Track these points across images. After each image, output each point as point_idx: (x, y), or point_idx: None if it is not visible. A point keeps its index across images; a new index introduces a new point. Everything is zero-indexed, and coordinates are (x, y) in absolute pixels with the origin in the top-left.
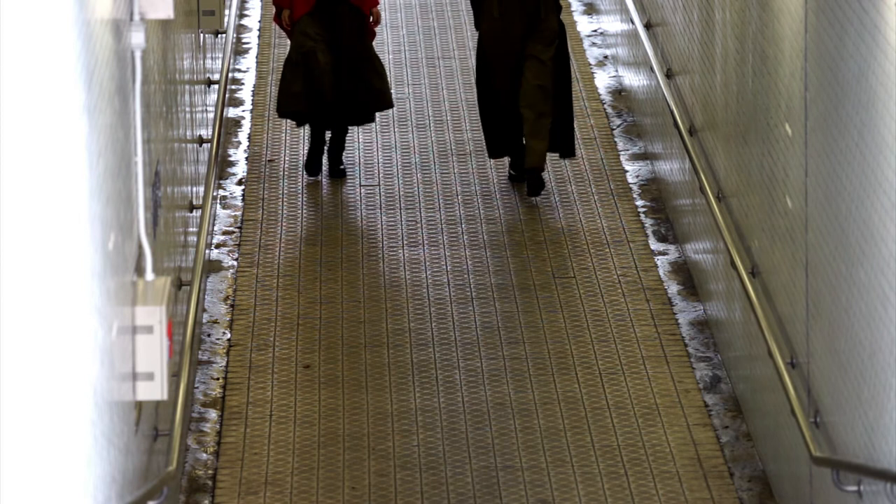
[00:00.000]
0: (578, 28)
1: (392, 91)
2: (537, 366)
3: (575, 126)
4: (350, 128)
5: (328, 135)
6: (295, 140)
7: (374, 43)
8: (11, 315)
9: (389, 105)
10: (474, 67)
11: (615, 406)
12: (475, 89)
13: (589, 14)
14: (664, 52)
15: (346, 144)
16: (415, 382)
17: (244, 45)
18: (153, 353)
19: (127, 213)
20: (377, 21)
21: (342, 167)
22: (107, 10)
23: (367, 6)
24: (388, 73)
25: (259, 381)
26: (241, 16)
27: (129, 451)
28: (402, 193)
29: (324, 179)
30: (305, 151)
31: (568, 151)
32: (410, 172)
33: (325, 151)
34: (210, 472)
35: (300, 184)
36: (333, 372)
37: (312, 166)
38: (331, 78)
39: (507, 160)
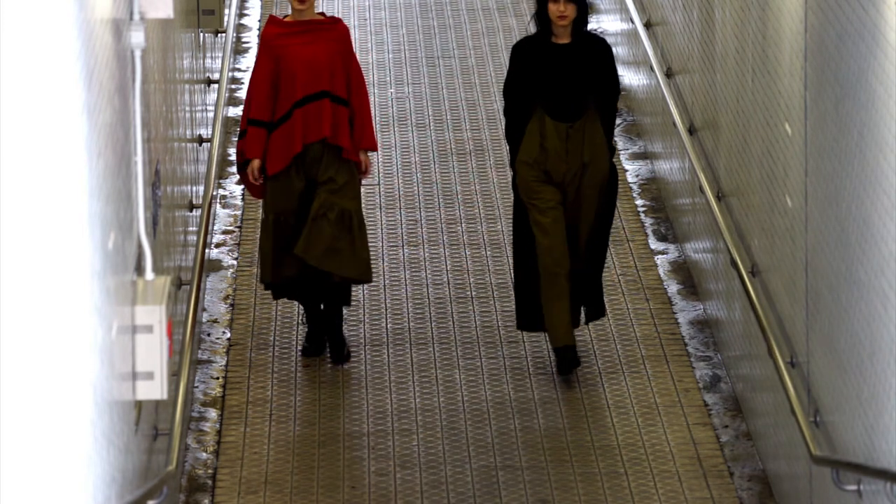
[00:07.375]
0: None
1: (391, 92)
2: (537, 365)
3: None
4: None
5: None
6: None
7: (374, 41)
8: (11, 314)
9: (367, 278)
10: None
11: (615, 405)
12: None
13: (589, 13)
14: (664, 51)
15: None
16: (415, 381)
17: (244, 45)
18: (153, 352)
19: (127, 213)
20: (367, 170)
21: (346, 345)
22: (107, 9)
23: (355, 153)
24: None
25: (259, 381)
26: (241, 15)
27: (128, 450)
28: (402, 193)
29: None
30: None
31: (596, 313)
32: (410, 172)
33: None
34: (210, 471)
35: None
36: (333, 371)
37: (311, 345)
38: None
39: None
